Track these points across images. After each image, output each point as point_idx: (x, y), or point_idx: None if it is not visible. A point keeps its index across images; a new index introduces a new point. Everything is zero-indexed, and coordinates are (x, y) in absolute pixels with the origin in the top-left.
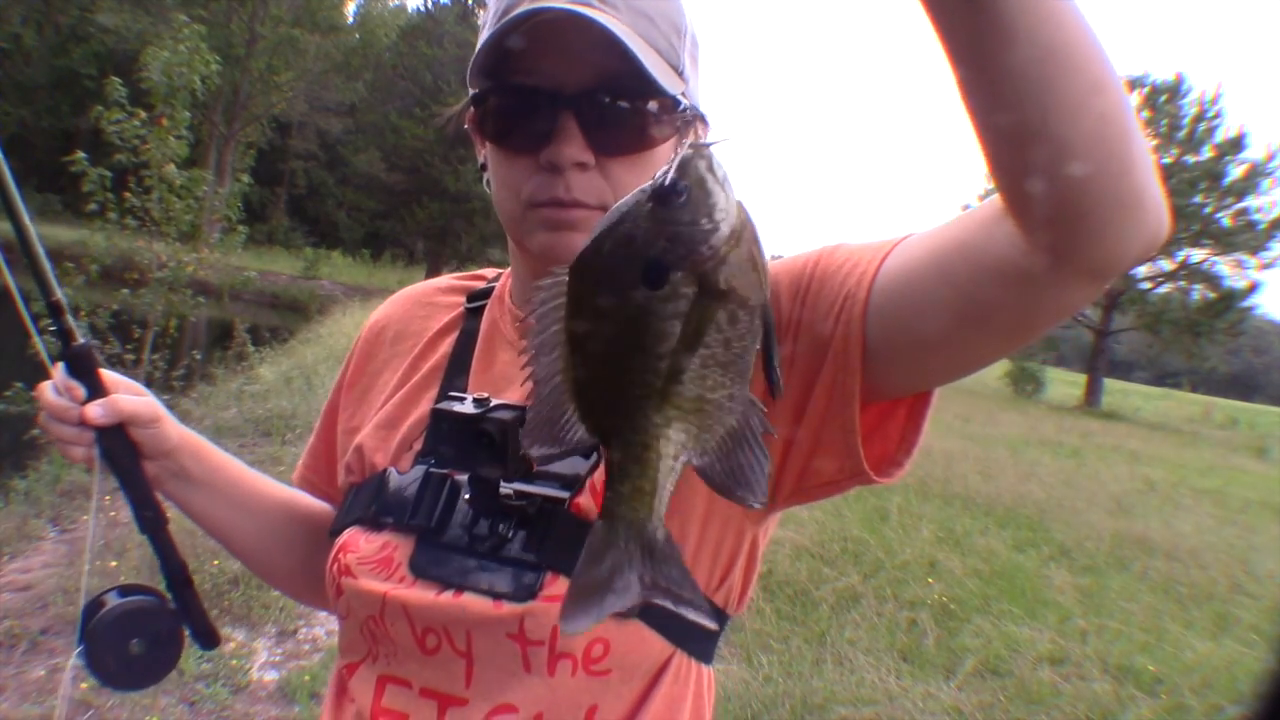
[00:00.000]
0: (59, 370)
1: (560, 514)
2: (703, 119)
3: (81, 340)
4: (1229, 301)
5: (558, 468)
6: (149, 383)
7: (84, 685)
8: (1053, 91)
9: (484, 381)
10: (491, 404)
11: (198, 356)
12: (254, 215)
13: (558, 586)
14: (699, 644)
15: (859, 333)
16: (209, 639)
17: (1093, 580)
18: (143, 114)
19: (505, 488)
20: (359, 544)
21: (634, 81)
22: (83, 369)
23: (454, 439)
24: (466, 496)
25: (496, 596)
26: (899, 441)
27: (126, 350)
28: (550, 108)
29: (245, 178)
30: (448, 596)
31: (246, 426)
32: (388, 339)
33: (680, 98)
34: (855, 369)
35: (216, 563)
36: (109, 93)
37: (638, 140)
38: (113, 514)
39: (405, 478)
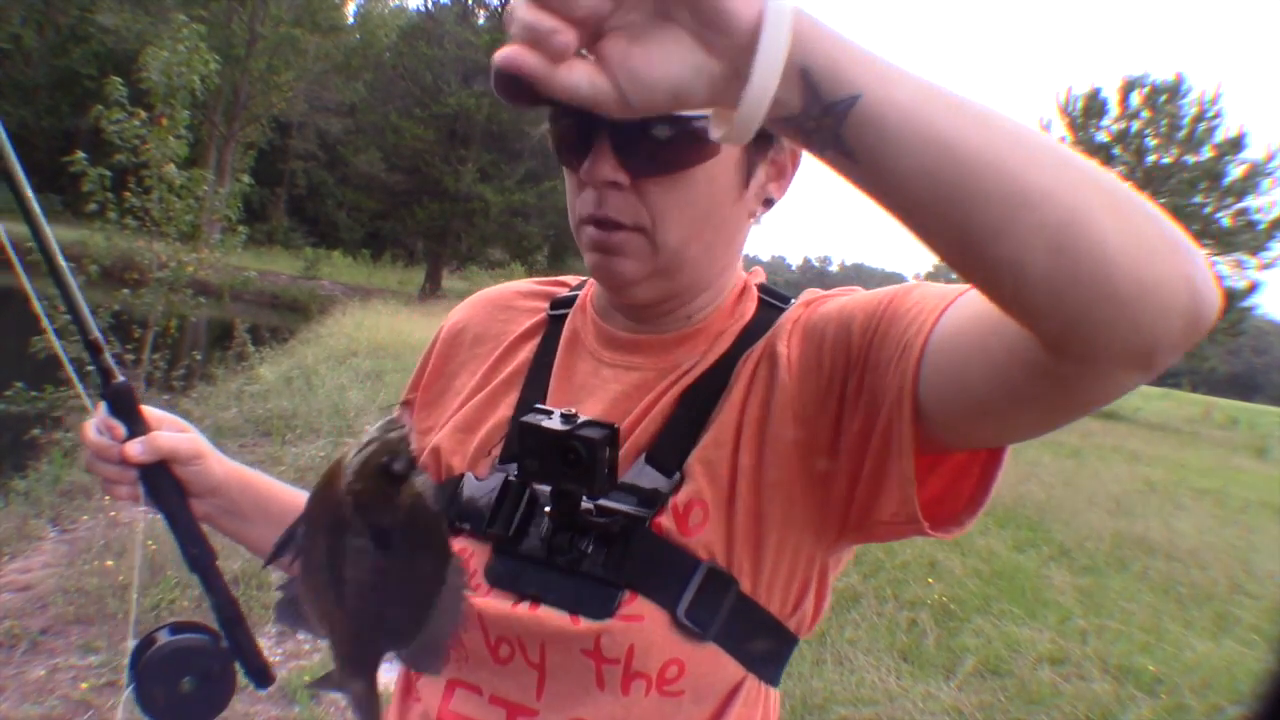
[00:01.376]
0: (100, 409)
1: (640, 532)
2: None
3: (121, 378)
4: (1229, 301)
5: (641, 484)
6: (149, 383)
7: (83, 686)
8: (967, 224)
9: (564, 390)
10: (580, 420)
11: (198, 356)
12: (254, 215)
13: (636, 605)
14: (768, 667)
15: (911, 386)
16: (262, 677)
17: (1093, 580)
18: (142, 114)
19: (587, 503)
20: None
21: None
22: (123, 407)
23: (541, 453)
24: (548, 509)
25: (574, 611)
26: (968, 500)
27: (127, 350)
28: (588, 127)
29: (245, 178)
30: (524, 608)
31: (247, 427)
32: (466, 341)
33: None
34: (907, 419)
35: (216, 562)
36: (109, 92)
37: (672, 162)
38: (112, 514)
39: (483, 484)
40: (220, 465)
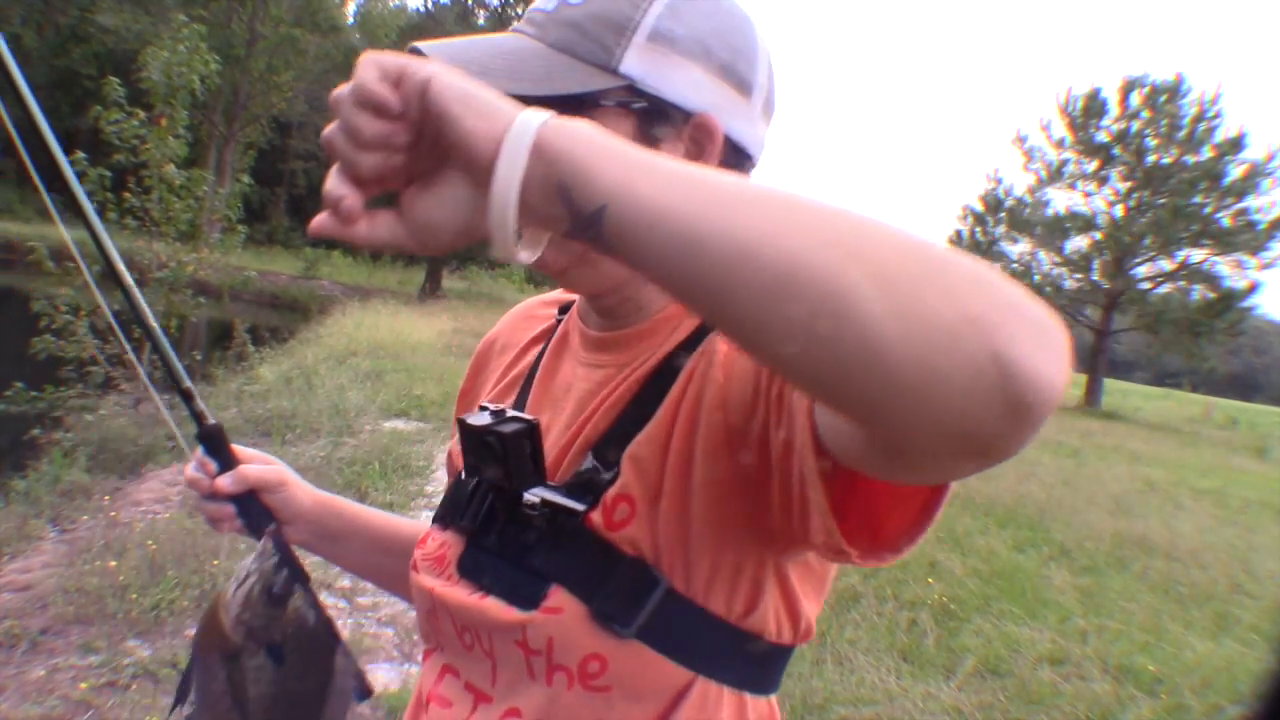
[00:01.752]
0: (197, 451)
1: (571, 526)
2: (683, 109)
3: (211, 420)
4: (1229, 301)
5: (587, 478)
6: (149, 383)
7: (83, 685)
8: (733, 318)
9: (546, 389)
10: (505, 416)
11: (198, 356)
12: (254, 215)
13: (557, 598)
14: (733, 672)
15: (806, 418)
16: (362, 691)
17: (1093, 580)
18: (141, 114)
19: (529, 496)
20: (428, 541)
21: (537, 96)
22: (215, 446)
23: (469, 447)
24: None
25: (510, 602)
26: (905, 530)
27: (127, 350)
28: None
29: (245, 178)
30: (475, 598)
31: (247, 426)
32: (495, 351)
33: (599, 94)
34: (810, 449)
35: (216, 562)
36: (107, 93)
37: None
38: (113, 514)
39: (468, 482)
40: (307, 493)
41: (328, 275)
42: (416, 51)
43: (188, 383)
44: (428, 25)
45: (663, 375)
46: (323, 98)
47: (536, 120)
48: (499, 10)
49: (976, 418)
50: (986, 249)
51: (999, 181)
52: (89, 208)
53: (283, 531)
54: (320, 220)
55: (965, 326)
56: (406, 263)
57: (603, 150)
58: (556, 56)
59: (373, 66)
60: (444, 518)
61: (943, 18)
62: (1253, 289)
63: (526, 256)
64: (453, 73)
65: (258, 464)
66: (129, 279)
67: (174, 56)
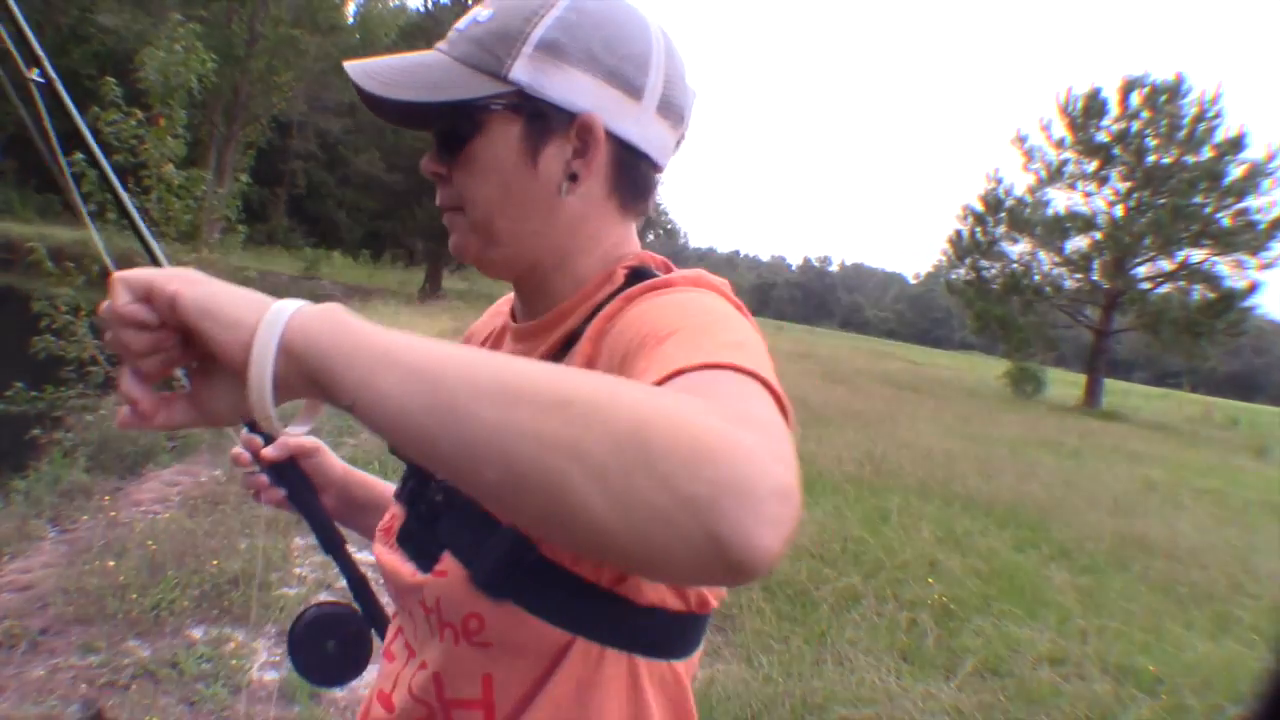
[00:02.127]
0: (242, 430)
1: (462, 499)
2: (566, 111)
3: None
4: (1229, 301)
5: None
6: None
7: (83, 686)
8: (477, 494)
9: None
10: None
11: None
12: (254, 215)
13: (445, 562)
14: (613, 635)
15: None
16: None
17: (1093, 580)
18: (139, 114)
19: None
20: (387, 513)
21: (432, 104)
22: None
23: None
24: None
25: (417, 566)
26: None
27: None
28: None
29: (244, 177)
30: (400, 564)
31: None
32: (472, 344)
33: (488, 99)
34: None
35: (216, 563)
36: (104, 93)
37: (451, 145)
38: (113, 514)
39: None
40: (337, 463)
41: (328, 275)
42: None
43: None
44: (427, 25)
45: (556, 356)
46: (323, 98)
47: (280, 322)
48: None
49: (702, 576)
50: (986, 249)
51: (999, 181)
52: (136, 216)
53: (319, 499)
54: (123, 417)
55: (680, 512)
56: (407, 263)
57: (350, 347)
58: (457, 68)
59: (122, 288)
60: (398, 492)
61: (943, 17)
62: (1253, 289)
63: (298, 430)
64: (196, 284)
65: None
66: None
67: (171, 56)
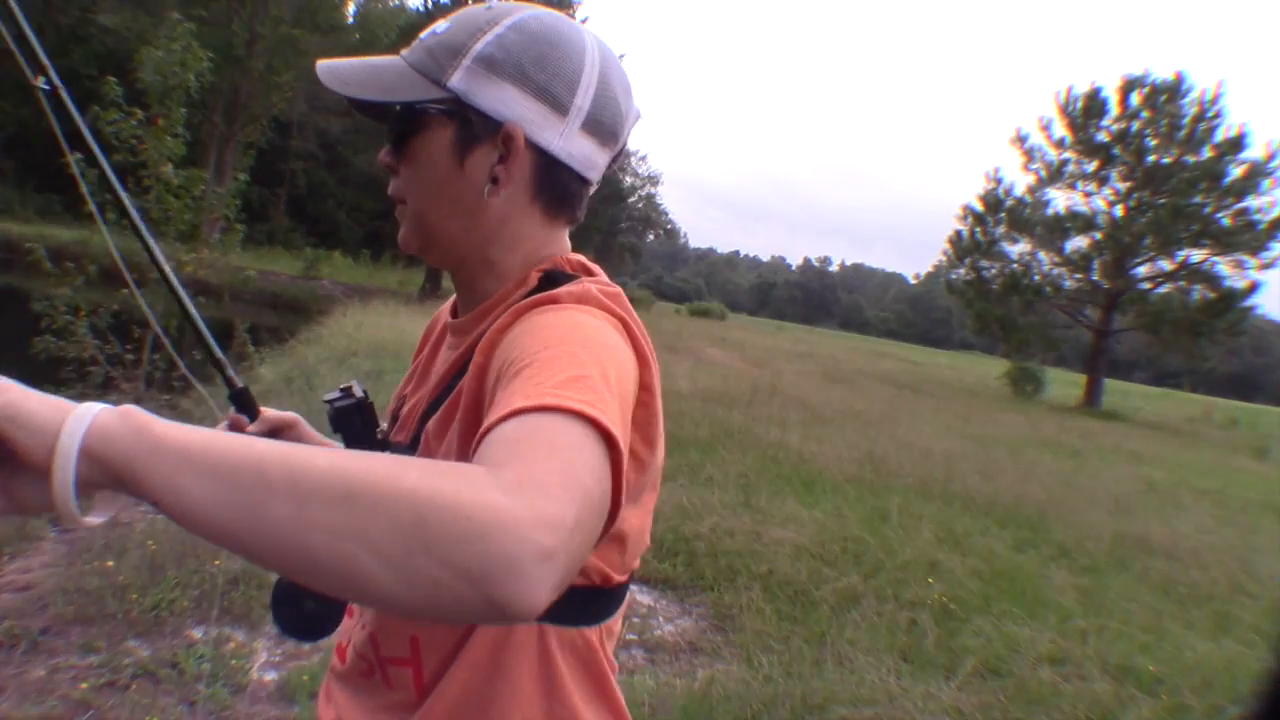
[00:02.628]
0: (230, 410)
1: None
2: (494, 120)
3: (240, 384)
4: (1229, 301)
5: (414, 443)
6: (149, 383)
7: (83, 685)
8: (279, 571)
9: (425, 374)
10: (348, 393)
11: (198, 356)
12: (254, 215)
13: None
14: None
15: None
16: None
17: (1093, 580)
18: (139, 113)
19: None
20: None
21: (375, 102)
22: (244, 403)
23: (329, 418)
24: None
25: None
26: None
27: (127, 350)
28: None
29: (243, 177)
30: None
31: None
32: (431, 337)
33: (427, 102)
34: None
35: (218, 562)
36: (105, 93)
37: (397, 142)
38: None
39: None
40: (316, 436)
41: (328, 275)
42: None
43: (220, 354)
44: (427, 25)
45: (469, 359)
46: (323, 98)
47: (81, 429)
48: None
49: (485, 623)
50: (986, 249)
51: (999, 181)
52: (138, 219)
53: None
54: None
55: (458, 583)
56: (407, 263)
57: (148, 450)
58: (409, 73)
59: None
60: None
61: (943, 17)
62: (1253, 289)
63: (98, 520)
64: (1, 391)
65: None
66: (174, 280)
67: (168, 56)
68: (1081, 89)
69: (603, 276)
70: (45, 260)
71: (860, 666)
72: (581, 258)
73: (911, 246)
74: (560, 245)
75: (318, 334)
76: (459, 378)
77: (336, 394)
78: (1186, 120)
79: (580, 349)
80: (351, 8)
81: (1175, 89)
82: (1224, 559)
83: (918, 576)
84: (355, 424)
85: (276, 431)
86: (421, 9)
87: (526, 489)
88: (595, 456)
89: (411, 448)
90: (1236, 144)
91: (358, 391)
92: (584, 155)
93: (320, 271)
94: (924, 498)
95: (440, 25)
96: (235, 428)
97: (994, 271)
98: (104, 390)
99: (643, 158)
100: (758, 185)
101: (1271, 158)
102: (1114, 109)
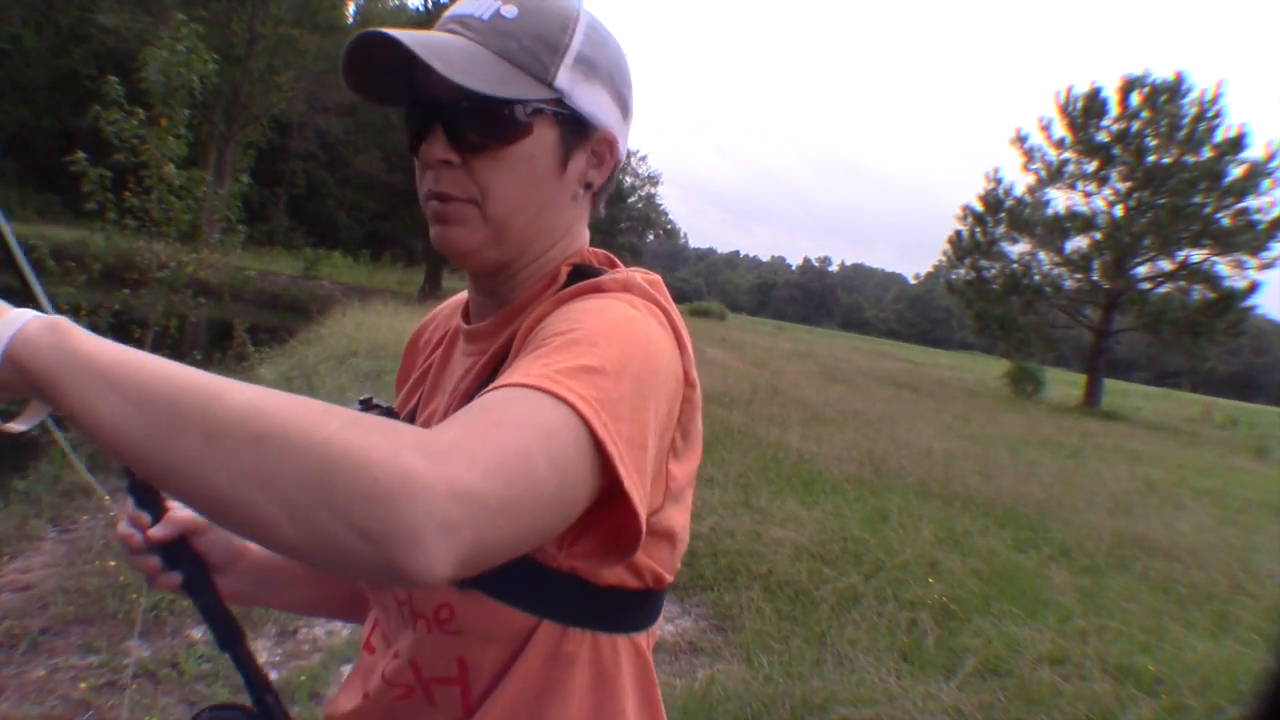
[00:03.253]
0: (128, 503)
1: None
2: (597, 124)
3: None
4: (1229, 301)
5: None
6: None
7: (83, 685)
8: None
9: (439, 380)
10: (371, 404)
11: (198, 356)
12: (254, 215)
13: None
14: (575, 615)
15: None
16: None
17: (1093, 580)
18: (141, 113)
19: None
20: None
21: (478, 91)
22: (146, 498)
23: None
24: None
25: None
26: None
27: None
28: (423, 115)
29: (244, 178)
30: None
31: None
32: (419, 347)
33: (545, 104)
34: None
35: None
36: (106, 92)
37: (491, 140)
38: (112, 514)
39: None
40: (236, 542)
41: (328, 275)
42: (380, 37)
43: (34, 280)
44: (428, 25)
45: (504, 356)
46: (323, 98)
47: (7, 335)
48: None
49: (386, 585)
50: (986, 249)
51: (999, 181)
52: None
53: (215, 587)
54: None
55: (358, 542)
56: (407, 263)
57: (70, 365)
58: (502, 63)
59: None
60: None
61: (944, 16)
62: (1253, 289)
63: (19, 427)
64: None
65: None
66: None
67: (172, 56)
68: (1081, 89)
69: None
70: (48, 259)
71: (860, 666)
72: (604, 251)
73: (911, 246)
74: (586, 235)
75: (317, 334)
76: (490, 378)
77: (356, 405)
78: (1186, 120)
79: (606, 340)
80: (351, 8)
81: (1175, 89)
82: (1224, 559)
83: (918, 576)
84: None
85: (189, 535)
86: (421, 9)
87: (452, 457)
88: (564, 447)
89: None
90: (1236, 144)
91: (382, 403)
92: (625, 153)
93: (320, 271)
94: (924, 498)
95: (504, 9)
96: (133, 531)
97: (994, 271)
98: None
99: (643, 158)
100: (757, 185)
101: (1271, 158)
102: (1114, 109)
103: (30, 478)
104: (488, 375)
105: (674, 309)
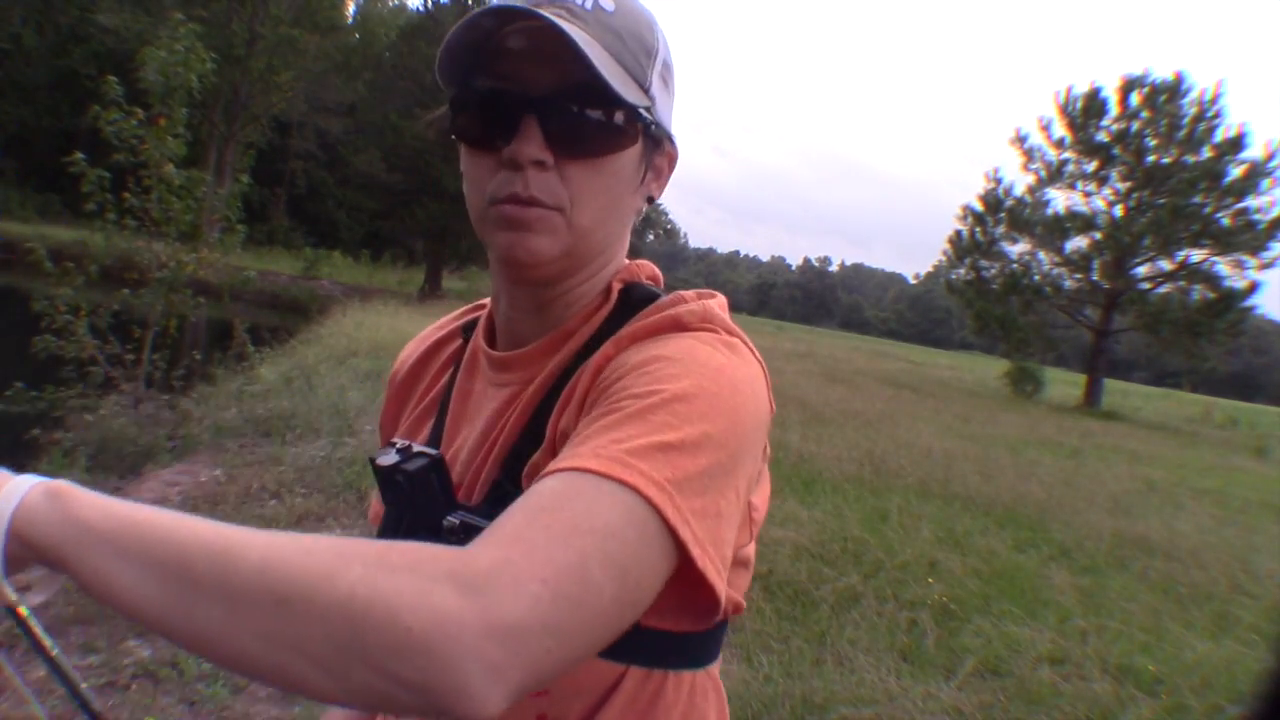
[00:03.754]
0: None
1: None
2: (669, 138)
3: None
4: (1229, 301)
5: (501, 494)
6: (149, 383)
7: (83, 685)
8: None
9: (463, 408)
10: (412, 452)
11: (198, 356)
12: (254, 215)
13: None
14: (656, 658)
15: None
16: None
17: (1093, 580)
18: (140, 113)
19: (450, 519)
20: None
21: (594, 90)
22: None
23: (382, 486)
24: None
25: None
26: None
27: (127, 350)
28: (515, 108)
29: (245, 178)
30: None
31: (246, 427)
32: (406, 380)
33: (644, 112)
34: None
35: None
36: (106, 92)
37: (595, 145)
38: None
39: (391, 519)
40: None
41: (328, 275)
42: (523, 10)
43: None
44: (427, 25)
45: (556, 389)
46: (323, 98)
47: (8, 511)
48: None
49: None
50: (986, 249)
51: (999, 181)
52: None
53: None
54: None
55: (399, 692)
56: (407, 263)
57: (77, 536)
58: (613, 62)
59: None
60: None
61: (943, 16)
62: (1253, 289)
63: (39, 599)
64: None
65: None
66: None
67: (171, 56)
68: (1081, 89)
69: (661, 282)
70: (46, 260)
71: (860, 666)
72: (646, 262)
73: (911, 246)
74: (626, 249)
75: (317, 334)
76: (545, 411)
77: (392, 455)
78: (1186, 120)
79: (685, 403)
80: (351, 8)
81: (1175, 89)
82: (1224, 559)
83: (918, 576)
84: (434, 488)
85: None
86: (421, 9)
87: (491, 586)
88: (626, 545)
89: (489, 507)
90: (1236, 144)
91: (425, 450)
92: None
93: (320, 271)
94: (924, 498)
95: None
96: None
97: (994, 271)
98: (104, 390)
99: None
100: (756, 184)
101: (1271, 158)
102: (1114, 109)
103: None
104: (536, 407)
105: (743, 333)
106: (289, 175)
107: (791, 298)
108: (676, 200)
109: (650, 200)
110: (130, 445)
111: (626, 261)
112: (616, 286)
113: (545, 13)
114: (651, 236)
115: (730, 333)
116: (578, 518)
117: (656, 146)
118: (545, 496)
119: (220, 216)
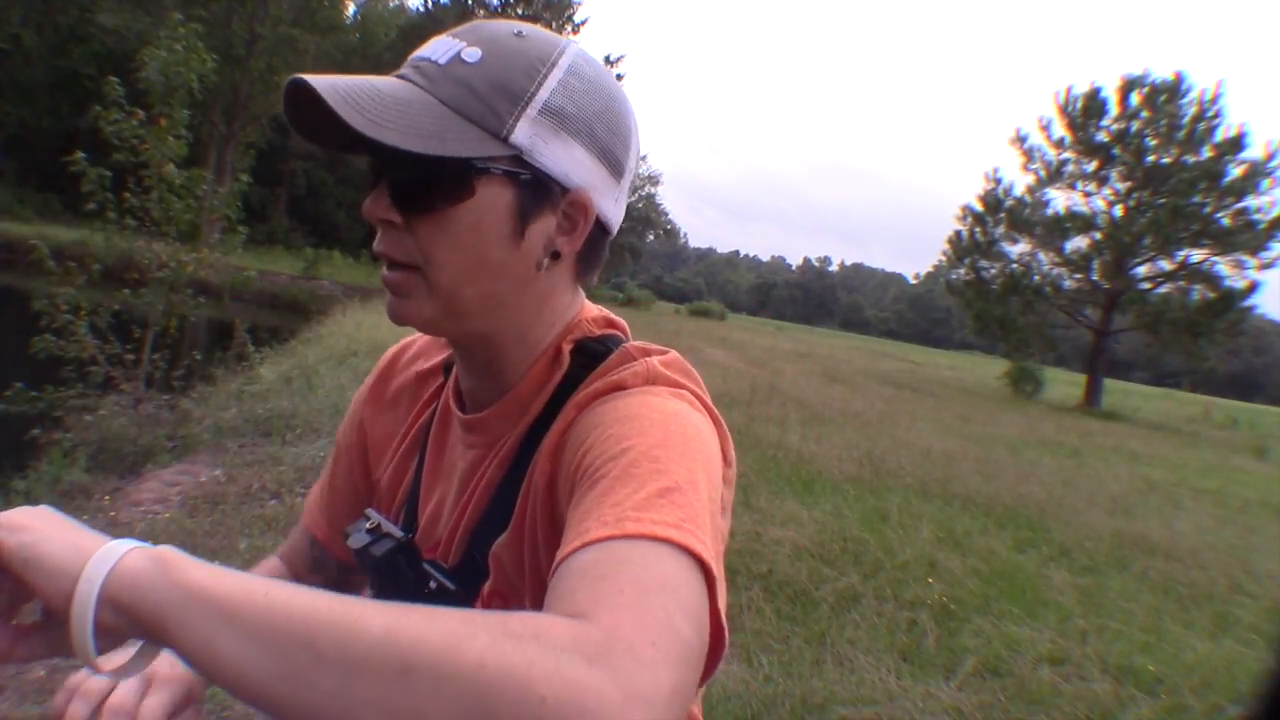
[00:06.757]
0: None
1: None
2: (574, 186)
3: None
4: (1229, 301)
5: (471, 566)
6: (149, 383)
7: None
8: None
9: (438, 463)
10: (380, 533)
11: (198, 356)
12: (254, 215)
13: None
14: None
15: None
16: None
17: (1093, 580)
18: (141, 114)
19: (433, 581)
20: None
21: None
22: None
23: (359, 559)
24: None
25: None
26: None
27: (127, 350)
28: (377, 169)
29: (245, 177)
30: None
31: (247, 426)
32: (393, 387)
33: (498, 162)
34: None
35: (216, 563)
36: (106, 92)
37: (429, 202)
38: (112, 514)
39: (380, 585)
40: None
41: (328, 275)
42: (301, 84)
43: None
44: (427, 25)
45: (519, 461)
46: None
47: (102, 573)
48: (498, 10)
49: None
50: (986, 249)
51: (999, 181)
52: None
53: None
54: None
55: None
56: None
57: (181, 601)
58: (449, 115)
59: None
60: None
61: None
62: (1253, 289)
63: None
64: (20, 531)
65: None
66: None
67: (171, 56)
68: (1081, 89)
69: (626, 330)
70: (48, 259)
71: (860, 666)
72: (603, 311)
73: (911, 246)
74: (580, 302)
75: (317, 334)
76: (509, 488)
77: (365, 536)
78: (1186, 120)
79: (662, 449)
80: (351, 8)
81: (1175, 89)
82: (1224, 559)
83: (917, 576)
84: (401, 568)
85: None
86: (422, 9)
87: (615, 654)
88: (692, 595)
89: (462, 572)
90: (1236, 144)
91: (393, 530)
92: (620, 215)
93: (320, 271)
94: (924, 498)
95: (467, 51)
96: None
97: (994, 271)
98: (104, 390)
99: (642, 158)
100: (755, 184)
101: (1271, 158)
102: (1114, 109)
103: (30, 478)
104: (499, 484)
105: (699, 385)
106: (289, 175)
107: (791, 297)
108: (676, 200)
109: (556, 255)
110: (130, 445)
111: (585, 319)
112: (567, 348)
113: (384, 76)
114: (651, 236)
115: (675, 385)
116: (639, 579)
117: (542, 196)
118: (592, 567)
119: (220, 216)
